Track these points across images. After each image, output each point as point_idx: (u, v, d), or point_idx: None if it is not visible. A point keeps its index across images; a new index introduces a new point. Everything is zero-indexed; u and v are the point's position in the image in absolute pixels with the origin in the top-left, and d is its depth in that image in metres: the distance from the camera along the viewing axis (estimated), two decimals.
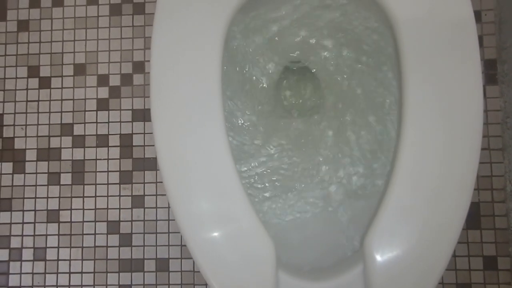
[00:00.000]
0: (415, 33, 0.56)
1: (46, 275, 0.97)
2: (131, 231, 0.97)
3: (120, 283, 0.96)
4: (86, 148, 0.99)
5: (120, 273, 0.96)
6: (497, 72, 0.93)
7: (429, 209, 0.53)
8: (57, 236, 0.98)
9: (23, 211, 0.99)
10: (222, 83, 0.56)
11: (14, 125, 1.01)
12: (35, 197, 0.99)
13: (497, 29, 0.93)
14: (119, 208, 0.97)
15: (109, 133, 0.99)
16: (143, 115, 0.99)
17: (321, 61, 0.73)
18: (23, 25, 1.03)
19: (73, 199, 0.98)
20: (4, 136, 1.01)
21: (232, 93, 0.69)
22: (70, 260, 0.97)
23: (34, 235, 0.98)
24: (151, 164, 0.98)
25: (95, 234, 0.97)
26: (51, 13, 1.03)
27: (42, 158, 1.00)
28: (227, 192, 0.55)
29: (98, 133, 0.99)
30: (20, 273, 0.98)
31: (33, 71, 1.02)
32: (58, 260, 0.97)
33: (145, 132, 0.99)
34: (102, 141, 0.99)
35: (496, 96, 0.92)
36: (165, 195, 0.95)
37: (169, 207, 0.96)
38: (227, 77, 0.65)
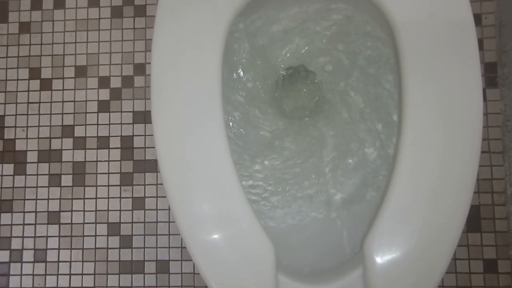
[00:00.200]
0: (415, 35, 0.56)
1: (47, 276, 0.97)
2: (132, 233, 0.97)
3: (121, 285, 0.96)
4: (87, 150, 0.99)
5: (121, 275, 0.96)
6: (497, 75, 0.93)
7: (429, 209, 0.52)
8: (57, 238, 0.98)
9: (24, 212, 0.99)
10: (222, 83, 0.57)
11: (15, 126, 1.01)
12: (36, 199, 0.99)
13: (497, 32, 0.93)
14: (120, 210, 0.97)
15: (110, 135, 0.99)
16: (144, 117, 0.99)
17: (321, 65, 0.73)
18: (24, 27, 1.03)
19: (73, 200, 0.98)
20: (5, 137, 1.01)
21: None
22: (70, 261, 0.97)
23: (34, 237, 0.98)
24: (152, 166, 0.98)
25: (95, 235, 0.97)
26: (52, 15, 1.03)
27: (43, 160, 1.00)
28: (226, 193, 0.55)
29: (99, 135, 0.99)
30: (21, 275, 0.98)
31: (34, 73, 1.02)
32: (58, 261, 0.97)
33: (146, 134, 0.99)
34: (103, 143, 0.99)
35: (496, 99, 0.92)
36: (165, 197, 0.95)
37: (169, 209, 0.96)
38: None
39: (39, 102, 1.01)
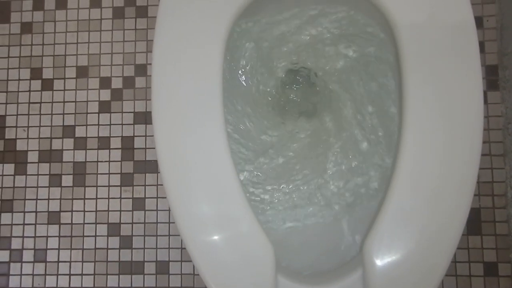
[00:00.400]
0: (416, 36, 0.56)
1: (47, 276, 0.97)
2: (132, 233, 0.97)
3: (120, 285, 0.96)
4: (87, 150, 0.99)
5: (120, 275, 0.96)
6: (499, 78, 0.93)
7: (429, 210, 0.52)
8: (57, 238, 0.98)
9: (24, 212, 0.99)
10: (223, 83, 0.57)
11: (16, 126, 1.01)
12: (36, 199, 0.99)
13: (498, 35, 0.93)
14: (120, 210, 0.97)
15: (111, 135, 0.99)
16: (144, 118, 0.99)
17: (322, 65, 0.73)
18: (26, 28, 1.04)
19: (74, 201, 0.98)
20: (6, 137, 1.01)
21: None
22: (70, 262, 0.97)
23: (34, 237, 0.98)
24: (152, 166, 0.98)
25: (95, 236, 0.97)
26: (54, 15, 1.03)
27: (43, 160, 1.00)
28: (226, 193, 0.55)
29: (100, 135, 1.00)
30: (21, 275, 0.98)
31: (35, 73, 1.02)
32: (58, 261, 0.97)
33: (147, 134, 0.99)
34: (104, 143, 0.99)
35: (497, 102, 0.92)
36: (165, 197, 0.95)
37: (169, 210, 0.96)
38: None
39: (40, 102, 1.01)
